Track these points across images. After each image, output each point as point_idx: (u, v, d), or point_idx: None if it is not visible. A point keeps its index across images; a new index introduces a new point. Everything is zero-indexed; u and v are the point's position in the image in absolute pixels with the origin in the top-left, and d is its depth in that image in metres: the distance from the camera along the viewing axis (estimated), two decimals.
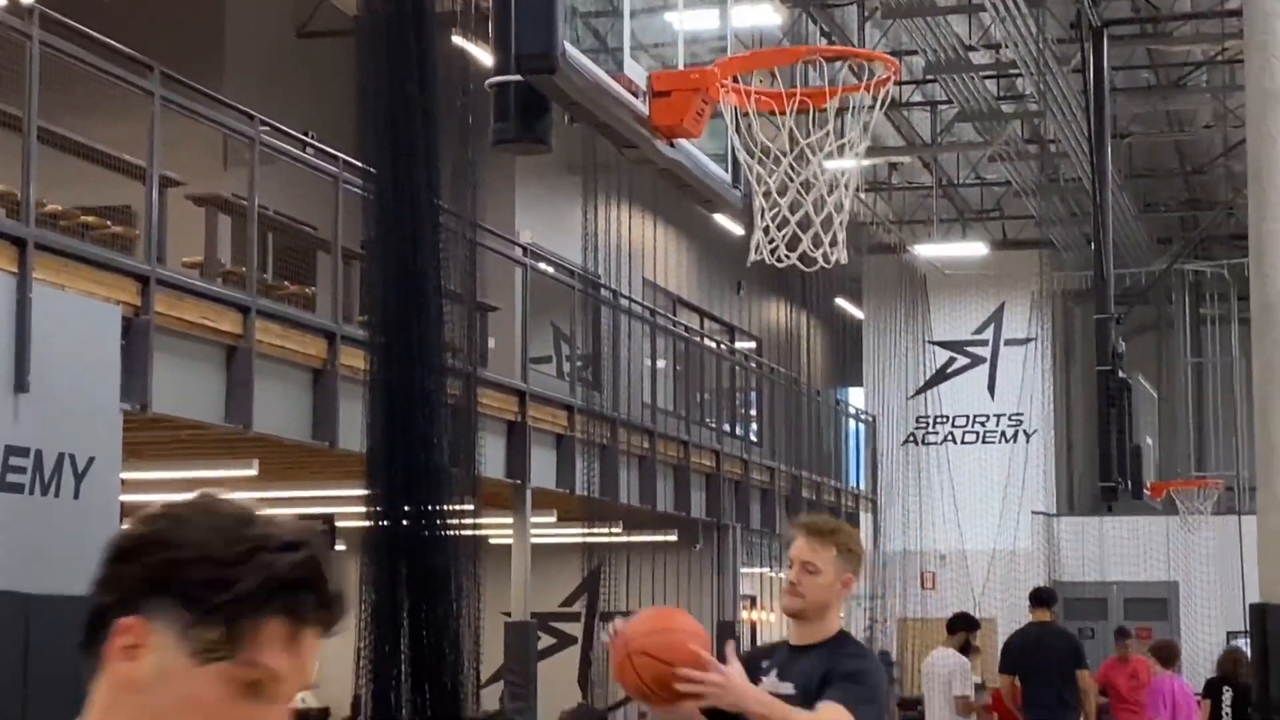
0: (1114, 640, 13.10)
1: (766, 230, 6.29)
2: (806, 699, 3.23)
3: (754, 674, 3.34)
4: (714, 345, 18.29)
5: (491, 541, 12.51)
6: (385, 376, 7.72)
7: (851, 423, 21.94)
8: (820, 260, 6.49)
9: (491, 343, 12.33)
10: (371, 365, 7.89)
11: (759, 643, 16.43)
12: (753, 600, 19.03)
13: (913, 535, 19.99)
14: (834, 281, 21.89)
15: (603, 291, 13.93)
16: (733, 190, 7.07)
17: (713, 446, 16.02)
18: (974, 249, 19.77)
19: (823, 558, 3.31)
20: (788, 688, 3.29)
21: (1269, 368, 9.17)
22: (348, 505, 10.73)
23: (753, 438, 18.73)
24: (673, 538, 15.49)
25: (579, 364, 14.33)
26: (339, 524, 11.37)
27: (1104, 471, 16.12)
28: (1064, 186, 18.68)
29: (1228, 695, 11.05)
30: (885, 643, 19.12)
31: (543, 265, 13.02)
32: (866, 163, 17.67)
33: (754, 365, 19.58)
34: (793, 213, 6.36)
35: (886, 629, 19.61)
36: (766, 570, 18.67)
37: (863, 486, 21.14)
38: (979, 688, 11.59)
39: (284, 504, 10.83)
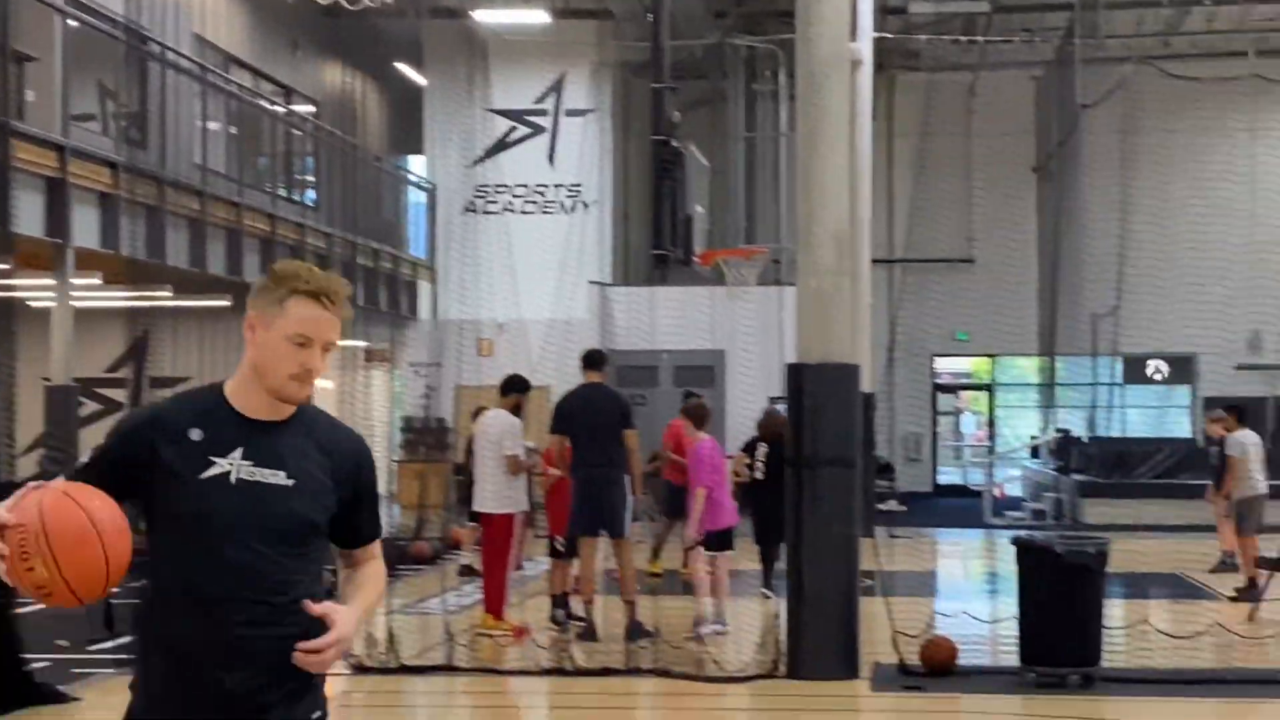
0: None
1: None
2: (302, 484, 2.75)
3: (178, 442, 2.72)
4: (269, 106, 18.01)
5: (31, 305, 12.26)
6: None
7: (412, 190, 22.17)
8: None
9: (31, 95, 11.74)
10: None
11: None
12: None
13: (470, 304, 20.65)
14: (393, 45, 21.85)
15: (150, 46, 13.54)
16: None
17: (268, 210, 16.00)
18: (535, 16, 20.22)
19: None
20: (279, 476, 2.74)
21: (811, 137, 10.09)
22: None
23: (310, 203, 18.78)
24: (226, 303, 15.43)
25: (125, 122, 13.88)
26: None
27: (657, 240, 17.31)
28: None
29: (761, 450, 12.46)
30: (440, 409, 20.01)
31: (83, 15, 12.47)
32: None
33: (311, 129, 19.39)
34: None
35: (441, 395, 20.42)
36: None
37: (423, 255, 21.66)
38: (531, 450, 11.91)
39: None
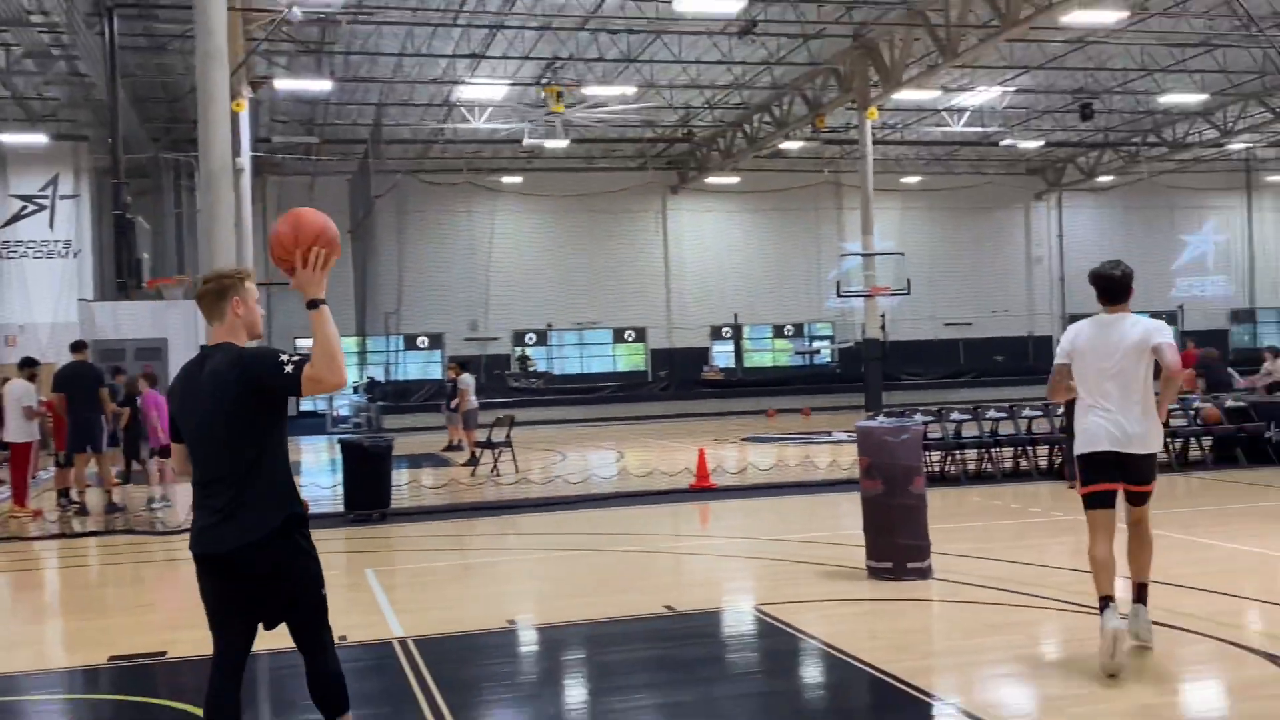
0: None
1: None
2: None
3: None
4: None
5: None
6: None
7: None
8: None
9: None
10: None
11: None
12: None
13: (4, 313, 29.86)
14: None
15: None
16: None
17: None
18: (39, 138, 29.93)
19: None
20: None
21: (211, 213, 20.55)
22: None
23: None
24: None
25: None
26: None
27: (119, 273, 27.03)
28: None
29: None
30: None
31: None
32: None
33: None
34: None
35: None
36: None
37: None
38: (41, 402, 15.03)
39: None
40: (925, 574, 9.17)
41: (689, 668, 6.94)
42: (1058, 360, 6.96)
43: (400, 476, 17.85)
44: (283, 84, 27.67)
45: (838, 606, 8.40)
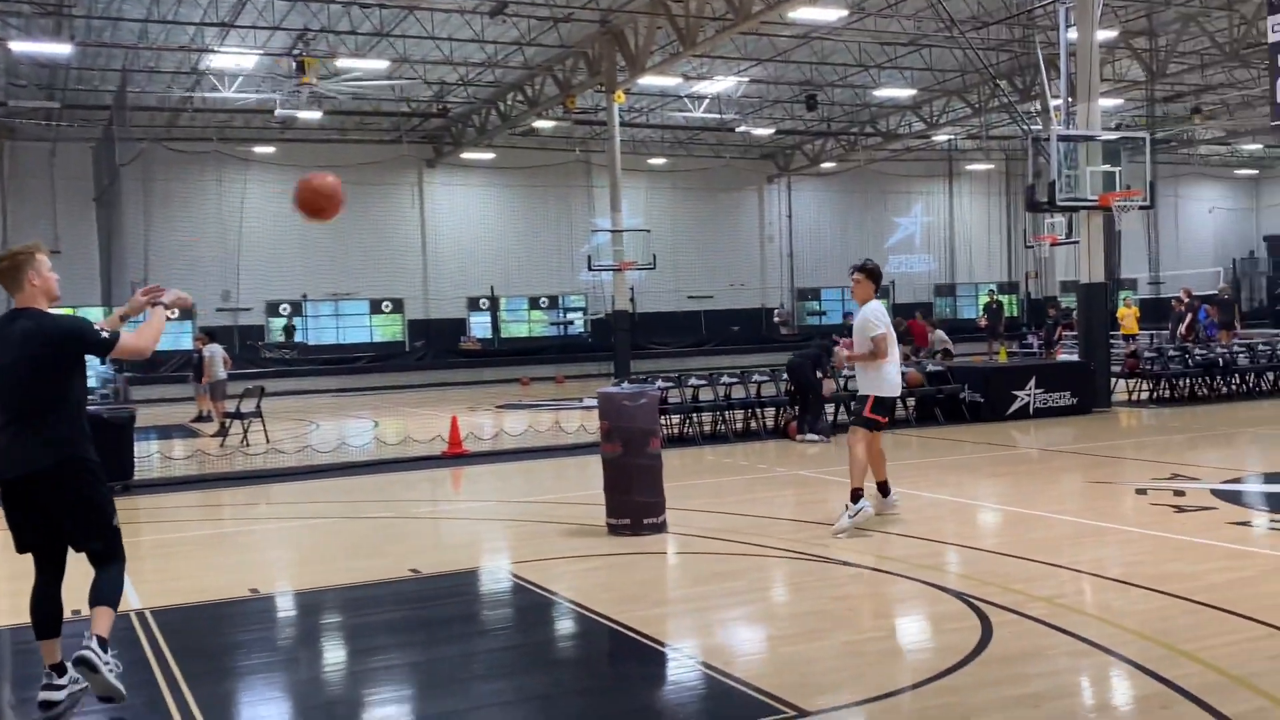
0: None
1: None
2: None
3: None
4: None
5: None
6: None
7: None
8: None
9: None
10: None
11: None
12: None
13: None
14: None
15: None
16: None
17: None
18: None
19: None
20: None
21: None
22: None
23: None
24: None
25: None
26: None
27: None
28: None
29: None
30: None
31: None
32: None
33: None
34: None
35: None
36: None
37: None
38: None
39: None
40: (660, 528, 9.35)
41: (430, 628, 6.84)
42: (885, 330, 9.20)
43: (148, 448, 17.00)
44: (19, 46, 25.53)
45: (577, 563, 8.45)
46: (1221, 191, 52.27)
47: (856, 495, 9.09)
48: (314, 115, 32.39)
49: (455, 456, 15.08)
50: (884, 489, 9.70)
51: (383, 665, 6.22)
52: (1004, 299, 40.93)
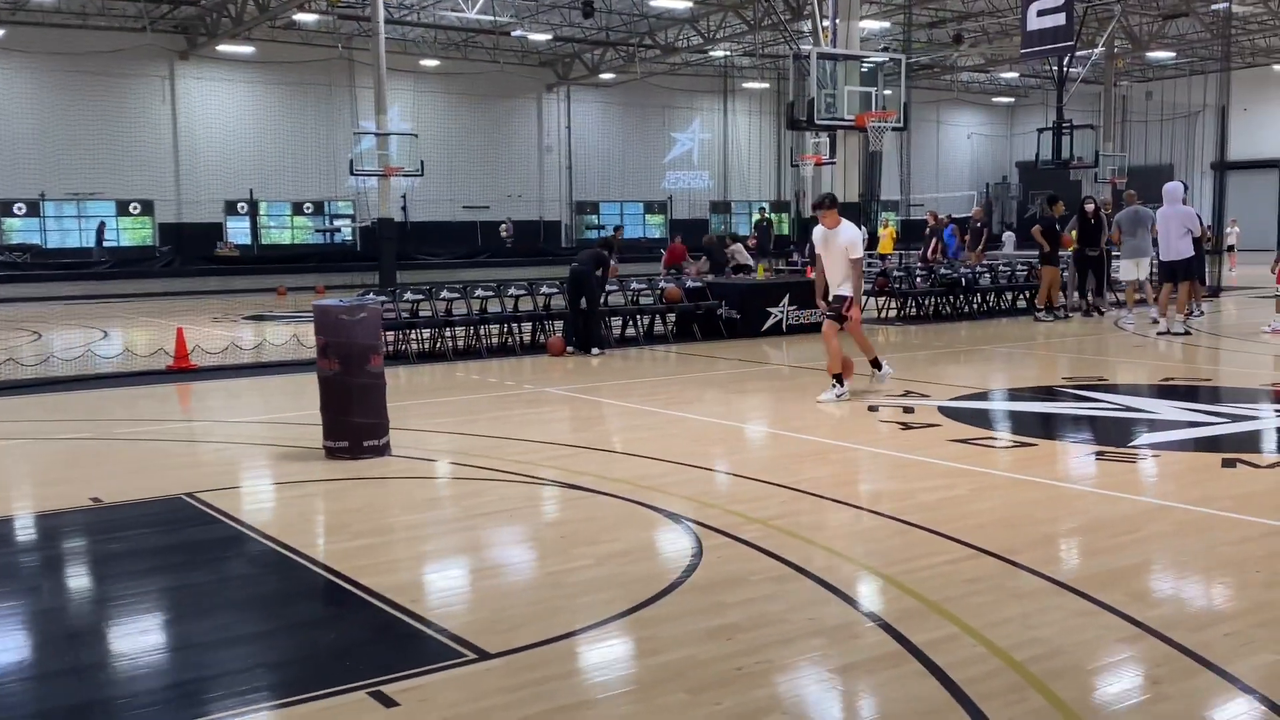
0: None
1: None
2: None
3: None
4: None
5: None
6: None
7: None
8: None
9: None
10: None
11: None
12: None
13: None
14: None
15: None
16: None
17: None
18: None
19: None
20: None
21: None
22: None
23: None
24: None
25: None
26: None
27: None
28: None
29: None
30: None
31: None
32: None
33: None
34: None
35: None
36: None
37: None
38: None
39: None
40: (382, 451, 8.78)
41: (85, 565, 6.09)
42: (861, 253, 11.31)
43: None
44: None
45: (281, 490, 7.81)
46: (980, 118, 54.61)
47: (837, 379, 11.19)
48: None
49: (182, 371, 13.98)
50: (876, 364, 11.80)
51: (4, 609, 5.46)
52: (774, 217, 41.59)
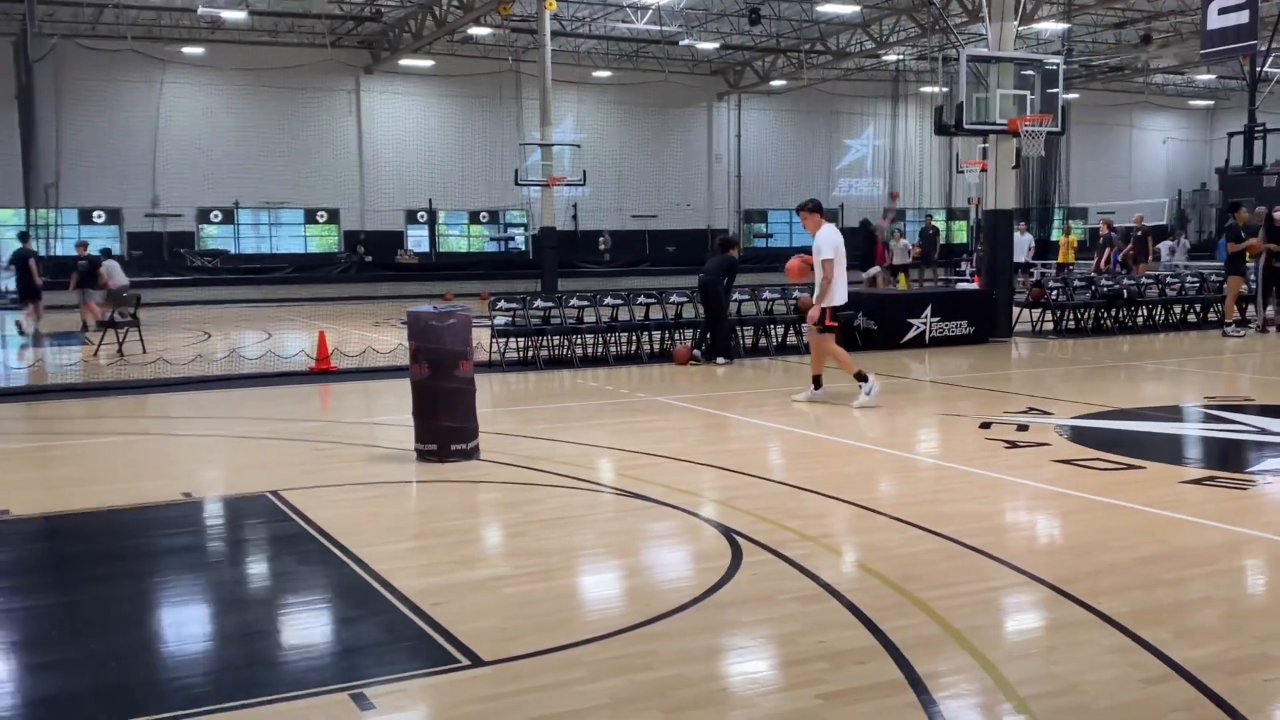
0: None
1: None
2: None
3: None
4: None
5: None
6: None
7: None
8: None
9: None
10: None
11: None
12: None
13: None
14: None
15: None
16: None
17: None
18: None
19: None
20: None
21: None
22: None
23: None
24: None
25: None
26: None
27: None
28: None
29: None
30: None
31: None
32: None
33: None
34: None
35: None
36: None
37: None
38: None
39: None
40: (470, 455, 8.94)
41: (138, 560, 6.40)
42: (831, 255, 11.25)
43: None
44: None
45: (357, 490, 8.03)
46: (1177, 122, 51.75)
47: (860, 377, 11.39)
48: (238, 15, 31.26)
49: (323, 373, 14.58)
50: (817, 382, 11.79)
51: (30, 605, 5.78)
52: (941, 225, 40.40)
